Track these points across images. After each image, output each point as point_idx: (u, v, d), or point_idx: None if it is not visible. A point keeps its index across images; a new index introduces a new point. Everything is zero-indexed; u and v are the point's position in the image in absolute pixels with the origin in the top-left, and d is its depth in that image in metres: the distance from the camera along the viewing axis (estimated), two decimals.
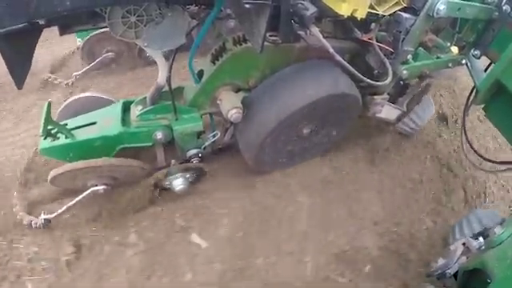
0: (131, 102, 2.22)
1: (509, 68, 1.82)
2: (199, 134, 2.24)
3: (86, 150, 2.04)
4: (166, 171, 2.17)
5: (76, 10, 1.34)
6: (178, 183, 2.21)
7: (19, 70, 1.47)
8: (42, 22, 1.36)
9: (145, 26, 1.62)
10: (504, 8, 1.98)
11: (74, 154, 2.04)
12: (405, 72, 2.10)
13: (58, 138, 2.04)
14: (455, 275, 1.70)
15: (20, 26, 1.29)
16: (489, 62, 2.28)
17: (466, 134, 2.38)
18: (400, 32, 1.94)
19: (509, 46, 1.82)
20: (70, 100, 2.36)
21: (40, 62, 3.54)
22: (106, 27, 1.63)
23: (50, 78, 3.37)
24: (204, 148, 2.29)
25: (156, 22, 1.63)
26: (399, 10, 1.88)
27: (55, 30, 1.71)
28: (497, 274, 1.28)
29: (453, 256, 1.74)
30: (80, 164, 1.96)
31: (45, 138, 2.03)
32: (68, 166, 1.97)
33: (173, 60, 1.98)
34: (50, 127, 2.02)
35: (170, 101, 2.06)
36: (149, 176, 2.20)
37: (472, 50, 2.24)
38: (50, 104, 1.93)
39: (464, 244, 1.73)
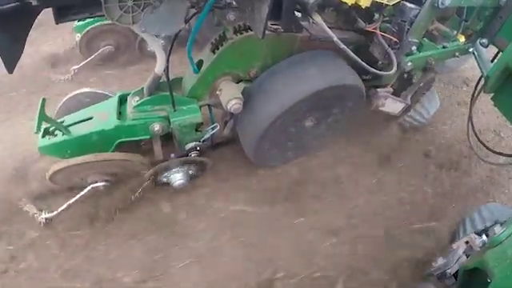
0: (127, 95, 2.17)
1: None
2: (198, 126, 2.19)
3: (84, 145, 2.01)
4: (164, 165, 2.14)
5: None
6: (177, 178, 2.18)
7: (10, 54, 1.43)
8: (34, 3, 1.32)
9: (142, 10, 1.58)
10: None
11: (72, 150, 2.01)
12: (409, 64, 2.07)
13: (56, 136, 2.02)
14: (455, 275, 1.68)
15: (12, 5, 1.25)
16: (494, 54, 2.26)
17: (472, 126, 2.34)
18: (405, 22, 1.90)
19: None
20: (67, 97, 2.33)
21: (39, 58, 3.51)
22: (103, 15, 1.59)
23: (49, 74, 3.35)
24: (203, 141, 2.24)
25: (154, 7, 1.59)
26: (404, 0, 1.84)
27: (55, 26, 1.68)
28: (496, 273, 1.28)
29: (454, 255, 1.73)
30: (77, 160, 1.94)
31: (43, 136, 2.01)
32: (65, 163, 1.94)
33: (171, 49, 1.94)
34: (46, 124, 2.00)
35: (167, 91, 2.02)
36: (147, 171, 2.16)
37: (479, 39, 2.20)
38: (44, 100, 1.90)
39: (467, 242, 1.71)
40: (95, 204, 2.20)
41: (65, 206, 2.09)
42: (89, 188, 2.09)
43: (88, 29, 3.16)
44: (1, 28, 1.32)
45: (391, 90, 2.32)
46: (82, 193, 2.08)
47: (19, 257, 2.04)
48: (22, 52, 1.53)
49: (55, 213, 2.11)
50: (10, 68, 1.44)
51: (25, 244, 2.08)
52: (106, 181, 2.11)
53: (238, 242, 2.15)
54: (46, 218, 2.11)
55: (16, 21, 1.38)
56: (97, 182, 2.09)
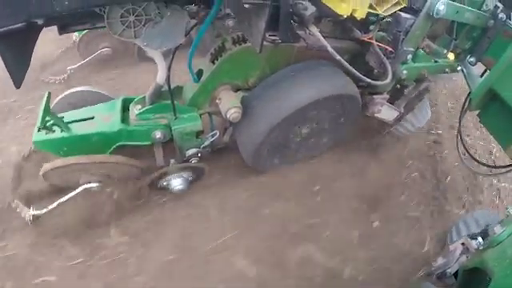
0: (131, 100, 2.20)
1: (502, 77, 1.86)
2: (198, 134, 2.23)
3: (82, 145, 2.01)
4: (163, 171, 2.16)
5: (75, 9, 1.33)
6: (177, 183, 2.21)
7: (17, 70, 1.46)
8: (40, 22, 1.35)
9: (144, 25, 1.62)
10: (499, 16, 2.02)
11: (69, 148, 2.00)
12: (404, 72, 2.11)
13: (54, 131, 2.00)
14: (455, 274, 1.71)
15: (18, 25, 1.28)
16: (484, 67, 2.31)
17: (461, 139, 2.42)
18: (400, 32, 1.95)
19: (503, 54, 1.85)
20: (66, 93, 2.33)
21: (34, 58, 3.46)
22: (104, 27, 1.62)
23: (44, 74, 3.33)
24: (203, 147, 2.28)
25: (155, 22, 1.63)
26: (399, 10, 1.88)
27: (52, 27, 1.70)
28: (496, 272, 1.29)
29: (452, 256, 1.75)
30: (74, 159, 1.93)
31: (39, 130, 1.98)
32: (62, 161, 1.93)
33: (172, 60, 1.97)
34: (47, 119, 1.98)
35: (169, 100, 2.05)
36: (146, 175, 2.18)
37: (468, 57, 2.28)
38: (49, 95, 1.91)
39: (463, 244, 1.75)
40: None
41: (55, 204, 2.06)
42: (81, 188, 2.06)
43: (87, 30, 3.17)
44: (8, 46, 1.35)
45: (387, 96, 2.36)
46: (74, 192, 2.06)
47: None
48: (29, 66, 1.56)
49: (44, 210, 2.07)
50: (18, 83, 1.47)
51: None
52: (99, 182, 2.09)
53: None
54: (33, 215, 2.07)
55: (22, 38, 1.41)
56: (90, 183, 2.07)
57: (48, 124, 2.00)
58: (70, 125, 2.03)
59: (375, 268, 2.08)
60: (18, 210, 2.09)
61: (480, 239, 1.68)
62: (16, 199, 2.15)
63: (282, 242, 2.16)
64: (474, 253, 1.66)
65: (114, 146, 2.10)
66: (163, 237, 2.16)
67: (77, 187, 2.07)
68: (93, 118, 2.10)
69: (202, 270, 2.02)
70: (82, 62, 3.33)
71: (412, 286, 2.04)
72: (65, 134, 1.99)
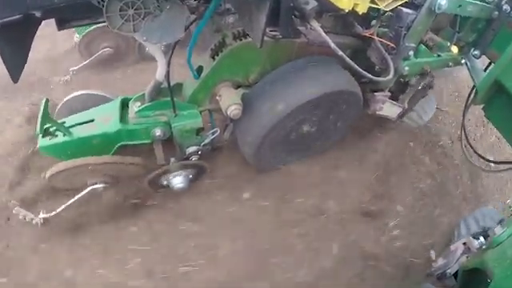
0: (130, 99, 2.19)
1: (508, 68, 1.83)
2: (198, 131, 2.22)
3: (85, 147, 2.02)
4: (164, 169, 2.15)
5: (73, 1, 1.32)
6: (178, 181, 2.19)
7: (15, 64, 1.46)
8: (38, 15, 1.34)
9: (143, 19, 1.60)
10: (504, 8, 1.99)
11: (73, 151, 2.02)
12: (406, 68, 2.09)
13: (57, 136, 2.03)
14: (455, 275, 1.69)
15: (16, 17, 1.27)
16: (488, 61, 2.29)
17: (465, 134, 2.38)
18: (401, 27, 1.93)
19: (508, 45, 1.82)
20: (68, 97, 2.34)
21: (37, 58, 3.48)
22: (104, 22, 1.61)
23: (47, 75, 3.34)
24: (203, 145, 2.27)
25: (154, 16, 1.61)
26: (401, 5, 1.85)
27: (53, 26, 1.69)
28: (496, 273, 1.28)
29: (453, 256, 1.74)
30: (78, 161, 1.94)
31: (43, 136, 2.01)
32: (66, 164, 1.95)
33: (171, 55, 1.96)
34: (47, 125, 2.00)
35: (168, 97, 2.04)
36: (147, 174, 2.17)
37: (472, 50, 2.25)
38: (47, 101, 1.91)
39: (465, 244, 1.73)
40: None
41: (63, 206, 2.08)
42: (88, 189, 2.08)
43: (88, 31, 3.17)
44: (5, 39, 1.35)
45: (389, 94, 2.34)
46: (81, 194, 2.08)
47: None
48: (26, 61, 1.55)
49: (53, 213, 2.10)
50: (15, 77, 1.47)
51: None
52: (105, 182, 2.11)
53: None
54: (43, 219, 2.09)
55: (20, 32, 1.41)
56: (96, 184, 2.09)
57: (51, 129, 2.03)
58: (71, 129, 2.04)
59: None
60: (20, 217, 2.10)
61: (482, 239, 1.66)
62: (16, 206, 2.15)
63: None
64: (474, 253, 1.64)
65: (116, 147, 2.10)
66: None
67: (83, 188, 2.09)
68: (93, 120, 2.11)
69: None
70: (84, 62, 3.34)
71: (412, 286, 2.02)
72: (67, 138, 2.01)
